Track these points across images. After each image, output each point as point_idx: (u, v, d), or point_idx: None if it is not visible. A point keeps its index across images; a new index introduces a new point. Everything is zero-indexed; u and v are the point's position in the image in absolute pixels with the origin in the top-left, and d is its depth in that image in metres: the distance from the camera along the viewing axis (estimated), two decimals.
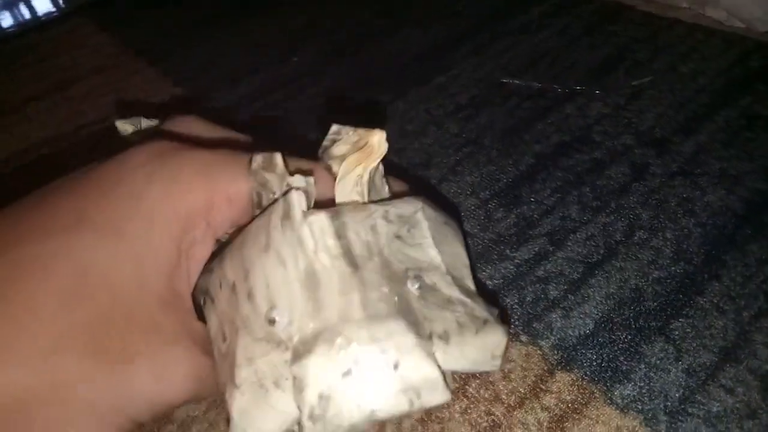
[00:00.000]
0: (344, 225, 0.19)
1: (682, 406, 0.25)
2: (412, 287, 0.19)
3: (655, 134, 0.39)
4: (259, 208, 0.21)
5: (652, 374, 0.26)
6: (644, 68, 0.44)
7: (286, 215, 0.19)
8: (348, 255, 0.19)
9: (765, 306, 0.28)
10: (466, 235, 0.34)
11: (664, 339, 0.27)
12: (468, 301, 0.20)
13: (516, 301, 0.30)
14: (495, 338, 0.20)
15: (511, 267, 0.32)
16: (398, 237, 0.20)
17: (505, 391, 0.26)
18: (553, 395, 0.26)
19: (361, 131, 0.21)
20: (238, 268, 0.20)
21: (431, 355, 0.18)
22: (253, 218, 0.21)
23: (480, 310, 0.20)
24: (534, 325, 0.29)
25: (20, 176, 0.42)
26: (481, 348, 0.19)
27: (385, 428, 0.25)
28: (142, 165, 0.19)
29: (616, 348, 0.27)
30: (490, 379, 0.27)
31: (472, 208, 0.35)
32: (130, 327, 0.17)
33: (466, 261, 0.22)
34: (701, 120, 0.39)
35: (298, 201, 0.19)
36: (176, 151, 0.20)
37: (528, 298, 0.30)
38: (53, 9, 0.68)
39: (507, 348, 0.20)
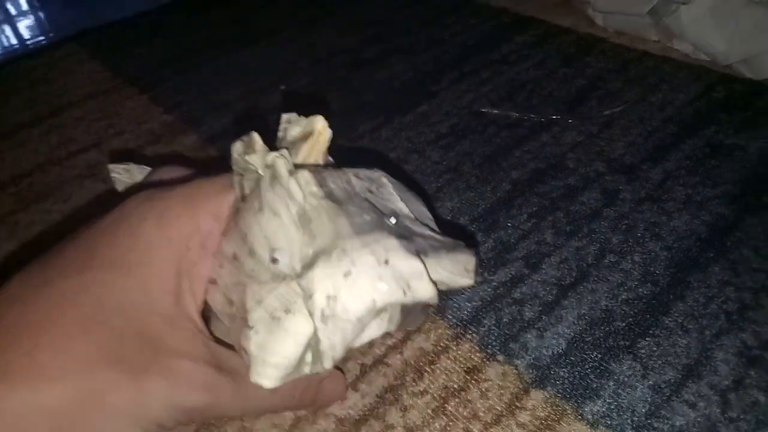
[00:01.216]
0: (324, 178, 0.22)
1: (648, 421, 0.27)
2: (390, 222, 0.22)
3: (626, 161, 0.41)
4: (243, 199, 0.23)
5: (620, 391, 0.28)
6: (616, 98, 0.47)
7: (274, 177, 0.22)
8: (331, 196, 0.22)
9: (725, 325, 0.30)
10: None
11: (632, 357, 0.29)
12: (438, 236, 0.24)
13: (493, 322, 0.31)
14: (466, 256, 0.23)
15: (489, 290, 0.33)
16: (370, 191, 0.23)
17: (483, 408, 0.28)
18: (528, 412, 0.27)
19: (307, 118, 0.24)
20: (236, 239, 0.22)
21: (414, 252, 0.21)
22: (237, 209, 0.23)
23: (449, 240, 0.24)
24: (510, 346, 0.30)
25: (11, 203, 0.43)
26: (455, 262, 0.23)
27: None
28: (135, 208, 0.23)
29: (587, 366, 0.29)
30: (468, 397, 0.28)
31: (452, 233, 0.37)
32: (142, 342, 0.20)
33: (430, 216, 0.25)
34: (669, 148, 0.41)
35: (283, 163, 0.22)
36: (161, 192, 0.23)
37: (505, 320, 0.31)
38: (45, 36, 0.69)
39: (477, 266, 0.23)
